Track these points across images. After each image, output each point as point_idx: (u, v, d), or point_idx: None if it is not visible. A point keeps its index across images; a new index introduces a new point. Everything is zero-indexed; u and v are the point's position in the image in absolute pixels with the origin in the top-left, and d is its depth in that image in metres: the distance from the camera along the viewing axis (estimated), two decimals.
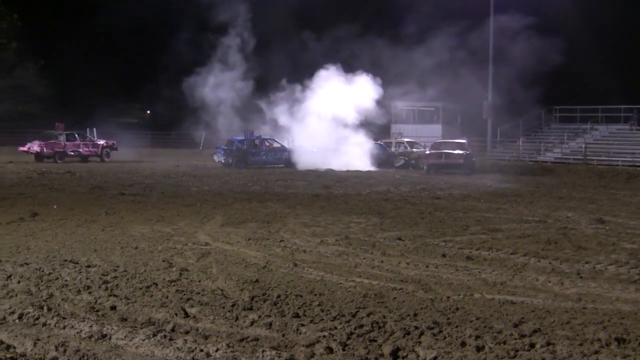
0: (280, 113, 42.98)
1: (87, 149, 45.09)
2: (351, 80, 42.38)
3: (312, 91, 42.52)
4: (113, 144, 46.70)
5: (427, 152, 38.68)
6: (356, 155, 40.35)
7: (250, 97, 44.97)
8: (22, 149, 44.05)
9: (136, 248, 13.28)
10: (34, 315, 8.38)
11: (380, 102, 42.60)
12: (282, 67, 44.27)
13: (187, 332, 7.87)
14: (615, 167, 39.52)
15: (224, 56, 45.88)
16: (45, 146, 43.40)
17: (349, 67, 42.85)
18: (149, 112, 75.65)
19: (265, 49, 46.58)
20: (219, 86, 44.93)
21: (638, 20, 53.99)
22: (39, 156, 43.24)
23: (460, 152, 37.32)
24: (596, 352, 7.22)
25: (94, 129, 47.24)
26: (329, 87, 42.32)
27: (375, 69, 43.10)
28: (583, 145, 44.70)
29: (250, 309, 8.88)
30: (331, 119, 41.90)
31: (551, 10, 46.90)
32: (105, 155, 45.40)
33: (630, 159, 40.95)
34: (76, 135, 45.22)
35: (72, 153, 44.22)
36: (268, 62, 45.61)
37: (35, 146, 43.54)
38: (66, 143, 44.01)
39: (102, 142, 46.11)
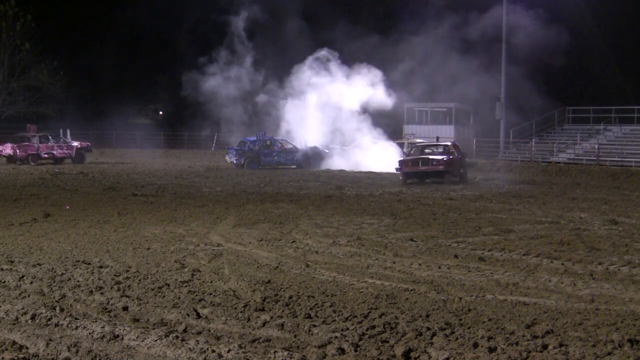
0: (286, 110, 43.23)
1: (60, 151, 44.28)
2: (352, 72, 42.61)
3: (313, 83, 42.84)
4: (87, 145, 46.10)
5: (403, 157, 32.67)
6: (369, 155, 40.29)
7: (258, 94, 45.07)
8: None
9: (148, 249, 13.31)
10: (47, 316, 8.40)
11: (384, 94, 42.66)
12: (287, 65, 44.51)
13: (199, 333, 7.88)
14: (629, 168, 39.33)
15: (229, 48, 46.10)
16: (17, 149, 42.71)
17: (356, 63, 43.09)
18: (161, 112, 75.82)
19: (271, 45, 46.58)
20: (226, 81, 45.12)
21: None
22: (11, 159, 42.58)
23: (441, 157, 31.49)
24: (609, 354, 7.19)
25: (68, 131, 46.75)
26: (330, 79, 42.66)
27: (386, 69, 43.25)
28: (596, 146, 44.50)
29: (262, 309, 8.88)
30: (340, 118, 42.13)
31: (565, 10, 46.76)
32: (79, 158, 44.49)
33: None
34: (49, 137, 44.51)
35: (45, 155, 43.37)
36: (274, 59, 45.67)
37: (7, 149, 42.94)
38: (39, 145, 43.25)
39: (76, 144, 45.33)
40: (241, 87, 45.31)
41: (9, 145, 43.02)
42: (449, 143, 34.19)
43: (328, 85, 42.88)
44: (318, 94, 42.92)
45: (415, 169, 31.12)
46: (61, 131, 46.18)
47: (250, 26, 46.60)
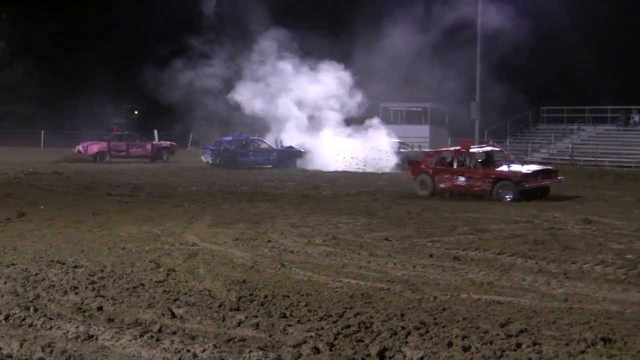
0: (240, 94, 43.24)
1: (136, 150, 45.10)
2: (316, 68, 42.78)
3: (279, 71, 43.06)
4: (171, 145, 46.55)
5: (523, 169, 24.48)
6: (345, 155, 40.29)
7: (227, 93, 44.90)
8: (73, 150, 44.66)
9: (123, 249, 13.26)
10: (21, 316, 8.36)
11: (354, 93, 42.69)
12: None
13: (174, 333, 7.86)
14: (602, 167, 39.65)
15: (198, 38, 46.00)
16: (87, 147, 44.11)
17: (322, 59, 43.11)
18: (137, 112, 75.45)
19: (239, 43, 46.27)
20: (196, 78, 45.09)
21: (625, 21, 54.16)
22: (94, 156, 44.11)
23: (549, 167, 26.73)
24: (582, 352, 7.24)
25: (155, 131, 47.02)
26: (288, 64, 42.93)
27: (359, 68, 43.27)
28: (570, 146, 44.84)
29: (238, 309, 8.88)
30: (315, 117, 42.31)
31: (540, 10, 46.93)
32: (159, 156, 45.00)
33: (617, 160, 41.13)
34: (127, 136, 45.65)
35: (117, 153, 44.44)
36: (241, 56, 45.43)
37: (80, 147, 44.32)
38: (111, 143, 44.31)
39: (163, 143, 46.15)
40: (210, 84, 45.14)
41: (84, 143, 44.57)
42: (497, 148, 28.64)
43: (285, 69, 43.20)
44: (277, 80, 43.18)
45: (537, 183, 24.27)
46: (154, 132, 46.66)
47: (217, 19, 46.48)
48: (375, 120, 43.27)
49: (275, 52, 43.64)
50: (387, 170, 38.94)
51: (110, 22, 57.12)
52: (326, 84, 42.50)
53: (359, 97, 42.67)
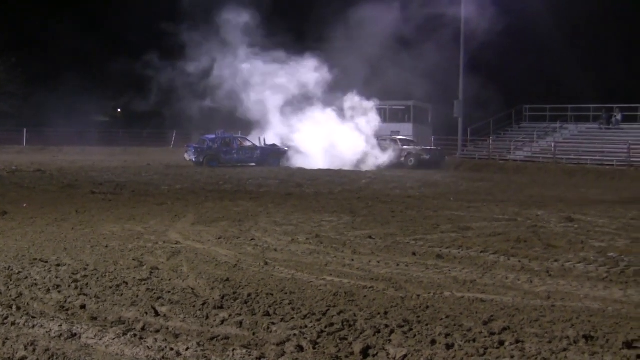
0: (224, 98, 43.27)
1: None
2: (294, 61, 42.77)
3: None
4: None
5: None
6: (329, 153, 40.35)
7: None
8: None
9: (106, 247, 13.22)
10: (3, 315, 8.32)
11: (332, 87, 42.76)
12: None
13: (157, 331, 7.84)
14: (585, 165, 39.79)
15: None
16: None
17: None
18: (120, 110, 75.31)
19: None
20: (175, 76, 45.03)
21: (607, 20, 54.43)
22: None
23: None
24: (565, 350, 7.26)
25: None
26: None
27: (340, 64, 43.26)
28: (553, 144, 44.98)
29: (221, 307, 8.87)
30: (295, 112, 42.42)
31: (522, 9, 47.11)
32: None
33: (599, 158, 41.22)
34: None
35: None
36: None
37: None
38: None
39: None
40: (189, 79, 45.05)
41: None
42: None
43: (262, 62, 43.28)
44: (254, 73, 43.25)
45: None
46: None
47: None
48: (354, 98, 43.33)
49: (253, 45, 43.65)
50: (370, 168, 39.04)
51: (90, 20, 56.90)
52: (305, 77, 42.52)
53: (340, 94, 42.76)
